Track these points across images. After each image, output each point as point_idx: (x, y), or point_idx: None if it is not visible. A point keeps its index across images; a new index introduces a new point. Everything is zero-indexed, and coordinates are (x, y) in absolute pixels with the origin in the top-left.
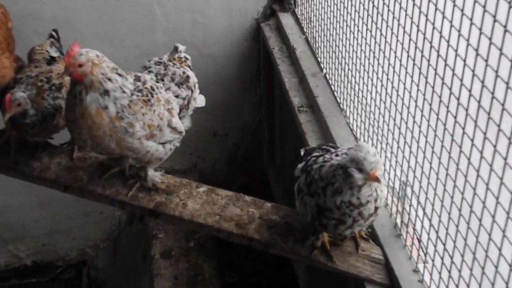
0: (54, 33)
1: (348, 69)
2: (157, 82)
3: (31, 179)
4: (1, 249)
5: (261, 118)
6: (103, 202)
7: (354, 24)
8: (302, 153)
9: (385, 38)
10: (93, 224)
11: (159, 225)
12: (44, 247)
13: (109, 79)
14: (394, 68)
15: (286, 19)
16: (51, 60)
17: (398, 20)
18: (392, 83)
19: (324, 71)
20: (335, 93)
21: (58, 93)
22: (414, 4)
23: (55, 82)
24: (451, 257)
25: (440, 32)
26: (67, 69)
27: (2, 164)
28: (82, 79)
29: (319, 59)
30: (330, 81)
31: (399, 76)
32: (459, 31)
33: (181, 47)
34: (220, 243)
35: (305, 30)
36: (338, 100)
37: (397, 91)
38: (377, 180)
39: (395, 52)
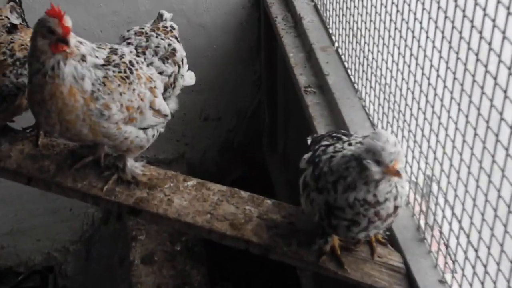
0: None
1: (365, 42)
2: (138, 56)
3: None
4: None
5: (261, 100)
6: (74, 197)
7: None
8: (309, 141)
9: (409, 6)
10: (61, 223)
11: (139, 224)
12: (3, 249)
13: (80, 42)
14: (419, 41)
15: None
16: (12, 28)
17: None
18: (416, 59)
19: (336, 44)
20: (349, 71)
21: (23, 69)
22: None
23: (19, 55)
24: (485, 266)
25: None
26: (65, 38)
27: None
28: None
29: (330, 30)
30: (343, 56)
31: (424, 51)
32: None
33: (167, 15)
34: (211, 246)
35: None
36: (352, 79)
37: (422, 68)
38: (397, 174)
39: (420, 23)
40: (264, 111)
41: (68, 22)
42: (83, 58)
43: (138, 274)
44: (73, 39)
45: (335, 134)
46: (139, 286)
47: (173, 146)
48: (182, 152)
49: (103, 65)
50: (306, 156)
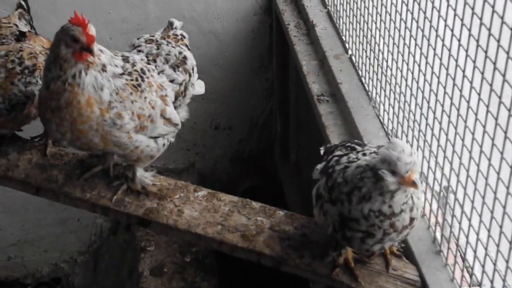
0: (23, 3)
1: (379, 50)
2: (149, 63)
3: None
4: None
5: (273, 108)
6: (82, 208)
7: None
8: (321, 151)
9: (424, 13)
10: (69, 234)
11: (149, 235)
12: (9, 261)
13: (101, 51)
14: (434, 49)
15: None
16: (21, 36)
17: None
18: (432, 67)
19: (350, 52)
20: (363, 79)
21: (31, 77)
22: None
23: (28, 63)
24: (504, 280)
25: (493, 7)
26: (89, 47)
27: None
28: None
29: (343, 37)
30: (356, 64)
31: (440, 59)
32: None
33: (177, 23)
34: (222, 257)
35: (327, 2)
36: (366, 88)
37: (438, 77)
38: (413, 185)
39: (436, 31)
40: (276, 119)
41: (92, 30)
42: (103, 68)
43: (147, 286)
44: (95, 47)
45: (348, 144)
46: None
47: (183, 155)
48: (192, 161)
49: (121, 74)
50: (319, 166)
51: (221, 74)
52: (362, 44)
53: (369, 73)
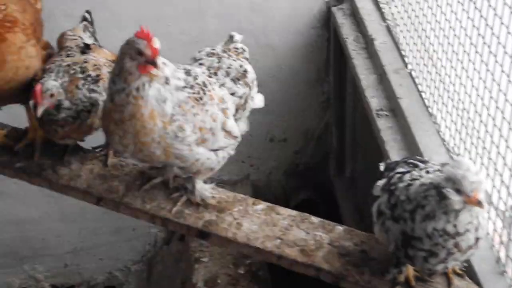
0: (87, 16)
1: (441, 65)
2: (210, 76)
3: (59, 188)
4: (15, 268)
5: (329, 122)
6: (142, 219)
7: (451, 11)
8: (381, 168)
9: (492, 29)
10: (124, 243)
11: (203, 246)
12: (66, 268)
13: (164, 64)
14: (502, 65)
15: (363, 2)
16: (85, 48)
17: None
18: (498, 84)
19: (410, 67)
20: (423, 94)
21: (95, 85)
22: None
23: (92, 73)
24: None
25: None
26: (153, 60)
27: (25, 170)
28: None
29: (403, 52)
30: (416, 79)
31: (508, 76)
32: None
33: (238, 36)
34: (276, 270)
35: (386, 16)
36: (427, 103)
37: (505, 94)
38: (479, 204)
39: (504, 47)
40: (331, 133)
41: (156, 44)
42: (166, 81)
43: None
44: (158, 60)
45: (411, 161)
46: None
47: (238, 167)
48: (246, 173)
49: (183, 87)
50: (380, 183)
51: (278, 87)
52: (423, 59)
53: (429, 88)
